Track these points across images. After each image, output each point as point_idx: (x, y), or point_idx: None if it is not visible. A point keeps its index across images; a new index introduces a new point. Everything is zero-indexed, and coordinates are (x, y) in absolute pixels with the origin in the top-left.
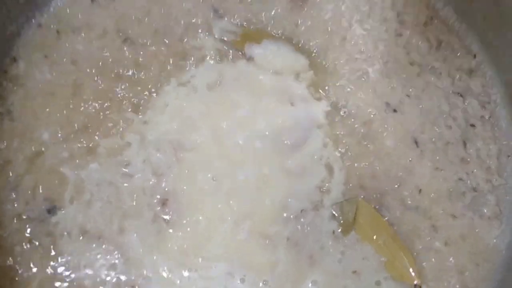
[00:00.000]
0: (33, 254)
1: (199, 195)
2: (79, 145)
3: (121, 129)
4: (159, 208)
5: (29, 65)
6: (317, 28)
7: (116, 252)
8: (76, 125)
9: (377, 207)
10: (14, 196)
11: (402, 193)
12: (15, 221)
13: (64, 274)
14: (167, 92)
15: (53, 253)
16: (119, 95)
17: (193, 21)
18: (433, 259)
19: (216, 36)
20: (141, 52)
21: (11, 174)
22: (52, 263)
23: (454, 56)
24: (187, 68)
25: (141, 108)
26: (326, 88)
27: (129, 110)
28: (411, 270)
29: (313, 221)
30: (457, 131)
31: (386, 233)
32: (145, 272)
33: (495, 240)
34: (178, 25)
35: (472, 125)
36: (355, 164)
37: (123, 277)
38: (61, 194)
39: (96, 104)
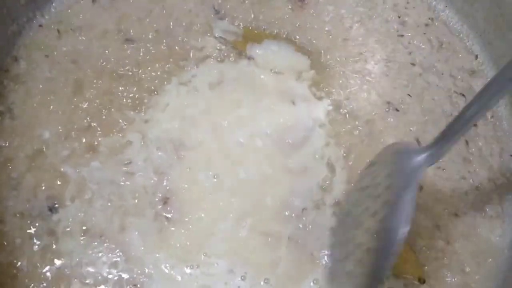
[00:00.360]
0: (35, 252)
1: (201, 193)
2: (80, 143)
3: (122, 128)
4: (160, 206)
5: (30, 64)
6: (318, 28)
7: (117, 250)
8: (77, 123)
9: None
10: (15, 194)
11: None
12: (17, 218)
13: (65, 272)
14: (168, 91)
15: (54, 251)
16: (120, 94)
17: (194, 21)
18: (435, 258)
19: (217, 36)
20: (142, 52)
21: (12, 172)
22: (53, 261)
23: (455, 57)
24: (188, 68)
25: (142, 107)
26: (328, 87)
27: (130, 109)
28: (413, 268)
29: (315, 219)
30: None
31: None
32: (146, 270)
33: (497, 239)
34: (179, 25)
35: (474, 125)
36: (357, 163)
37: (124, 275)
38: (63, 192)
39: (97, 103)
